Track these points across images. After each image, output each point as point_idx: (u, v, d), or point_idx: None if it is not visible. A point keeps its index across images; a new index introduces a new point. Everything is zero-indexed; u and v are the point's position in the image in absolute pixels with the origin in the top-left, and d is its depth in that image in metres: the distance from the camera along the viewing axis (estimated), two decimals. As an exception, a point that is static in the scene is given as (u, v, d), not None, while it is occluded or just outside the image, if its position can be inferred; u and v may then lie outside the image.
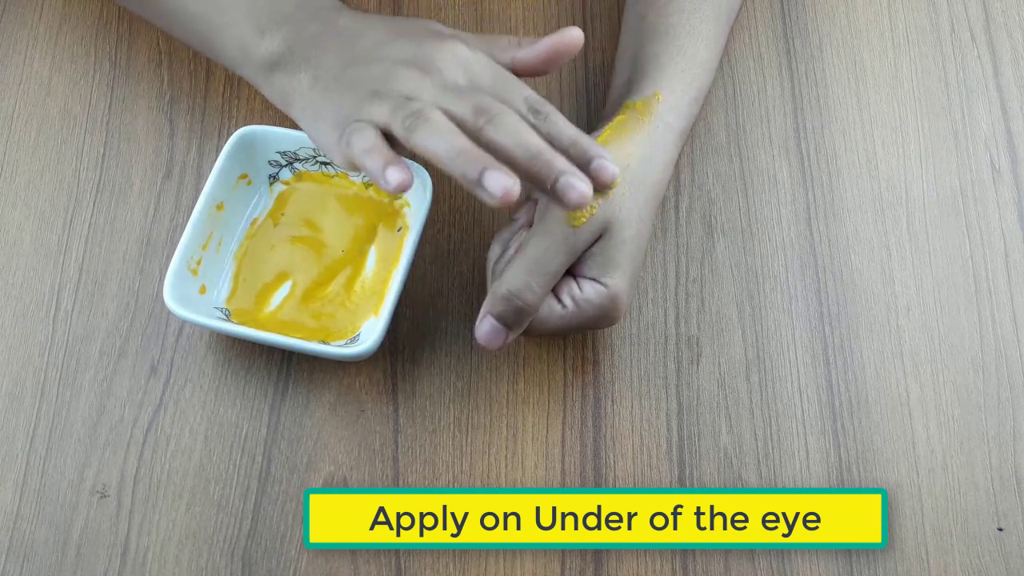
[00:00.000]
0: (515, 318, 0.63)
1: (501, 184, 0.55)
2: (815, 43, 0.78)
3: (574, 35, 0.62)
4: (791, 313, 0.70)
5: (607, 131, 0.66)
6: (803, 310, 0.70)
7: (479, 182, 0.56)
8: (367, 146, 0.59)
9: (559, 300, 0.64)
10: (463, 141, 0.57)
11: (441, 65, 0.60)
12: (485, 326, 0.63)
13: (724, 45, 0.73)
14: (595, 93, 0.75)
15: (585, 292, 0.63)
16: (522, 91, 0.60)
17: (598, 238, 0.63)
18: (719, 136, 0.75)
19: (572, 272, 0.64)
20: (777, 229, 0.72)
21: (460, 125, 0.58)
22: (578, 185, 0.57)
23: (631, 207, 0.64)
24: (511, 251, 0.65)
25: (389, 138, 0.59)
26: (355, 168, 0.61)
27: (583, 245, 0.63)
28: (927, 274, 0.71)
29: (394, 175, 0.57)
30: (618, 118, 0.67)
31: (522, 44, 0.63)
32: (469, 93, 0.59)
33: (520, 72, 0.63)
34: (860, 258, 0.71)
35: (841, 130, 0.75)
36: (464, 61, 0.61)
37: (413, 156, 0.62)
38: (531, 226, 0.64)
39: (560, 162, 0.58)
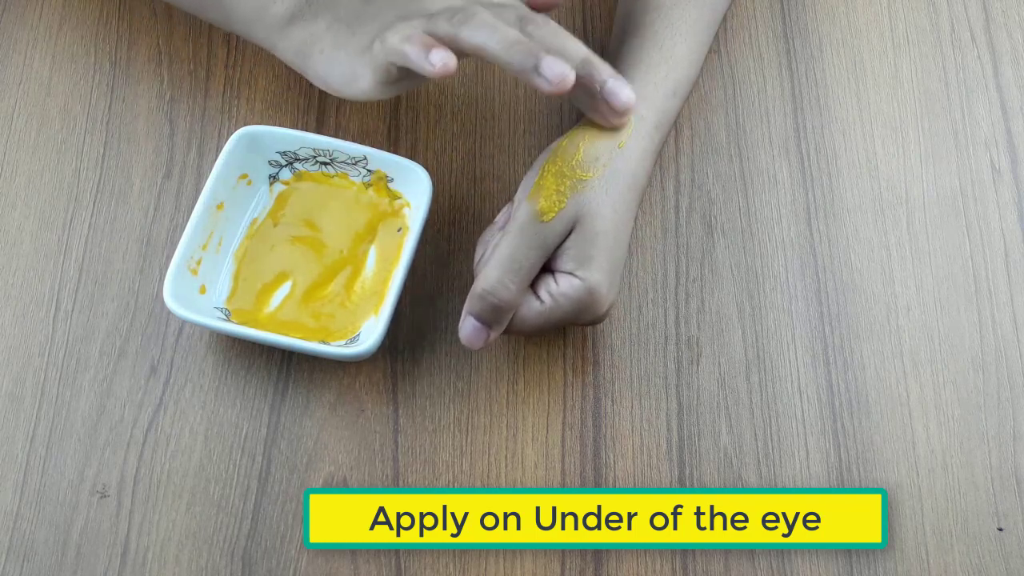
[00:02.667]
0: (493, 316, 0.63)
1: (558, 70, 0.58)
2: (815, 43, 0.78)
3: None
4: (791, 313, 0.70)
5: (581, 124, 0.67)
6: (803, 310, 0.70)
7: (536, 68, 0.58)
8: (406, 35, 0.59)
9: (537, 296, 0.64)
10: (515, 33, 0.59)
11: None
12: (466, 326, 0.64)
13: (711, 39, 0.74)
14: (595, 93, 0.76)
15: (561, 286, 0.63)
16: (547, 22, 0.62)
17: (571, 232, 0.64)
18: (719, 136, 0.75)
19: (549, 267, 0.64)
20: (777, 229, 0.72)
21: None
22: (623, 90, 0.61)
23: (603, 199, 0.64)
24: (490, 251, 0.65)
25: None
26: (382, 86, 0.61)
27: (555, 239, 0.63)
28: (927, 274, 0.71)
29: (438, 56, 0.58)
30: None
31: None
32: (507, 7, 0.61)
33: (536, 4, 0.65)
34: (860, 258, 0.71)
35: (841, 130, 0.75)
36: None
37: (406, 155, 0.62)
38: None
39: (607, 68, 0.61)
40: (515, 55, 0.58)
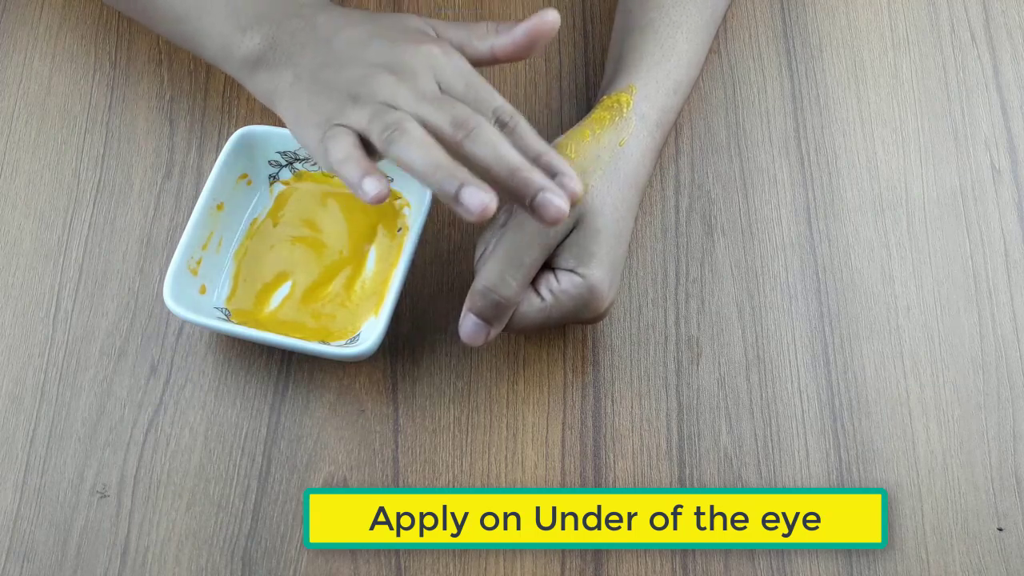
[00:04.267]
0: (494, 313, 0.63)
1: (478, 200, 0.56)
2: (815, 43, 0.78)
3: (550, 18, 0.62)
4: (791, 313, 0.70)
5: (582, 123, 0.67)
6: (803, 310, 0.70)
7: (456, 198, 0.56)
8: (343, 155, 0.59)
9: (538, 293, 0.64)
10: (441, 155, 0.58)
11: (415, 70, 0.61)
12: (467, 323, 0.64)
13: (711, 37, 0.74)
14: (595, 92, 0.75)
15: (562, 284, 0.63)
16: (493, 101, 0.61)
17: (572, 229, 0.63)
18: (719, 136, 0.75)
19: (550, 264, 0.64)
20: (777, 229, 0.72)
21: (438, 136, 0.59)
22: (555, 201, 0.58)
23: (604, 197, 0.64)
24: (490, 248, 0.65)
25: (367, 143, 0.59)
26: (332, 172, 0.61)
27: (556, 237, 0.63)
28: (927, 274, 0.71)
29: (371, 186, 0.58)
30: (594, 113, 0.68)
31: (499, 30, 0.63)
32: (445, 103, 0.60)
33: (500, 58, 0.64)
34: (860, 258, 0.71)
35: (841, 130, 0.75)
36: (437, 67, 0.61)
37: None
38: None
39: (538, 177, 0.58)
40: (437, 179, 0.57)
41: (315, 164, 0.71)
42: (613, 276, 0.64)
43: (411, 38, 0.63)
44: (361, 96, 0.60)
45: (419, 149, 0.58)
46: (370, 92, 0.60)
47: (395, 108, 0.59)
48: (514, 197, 0.58)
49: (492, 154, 0.58)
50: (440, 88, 0.61)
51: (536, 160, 0.59)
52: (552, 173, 0.59)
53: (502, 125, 0.60)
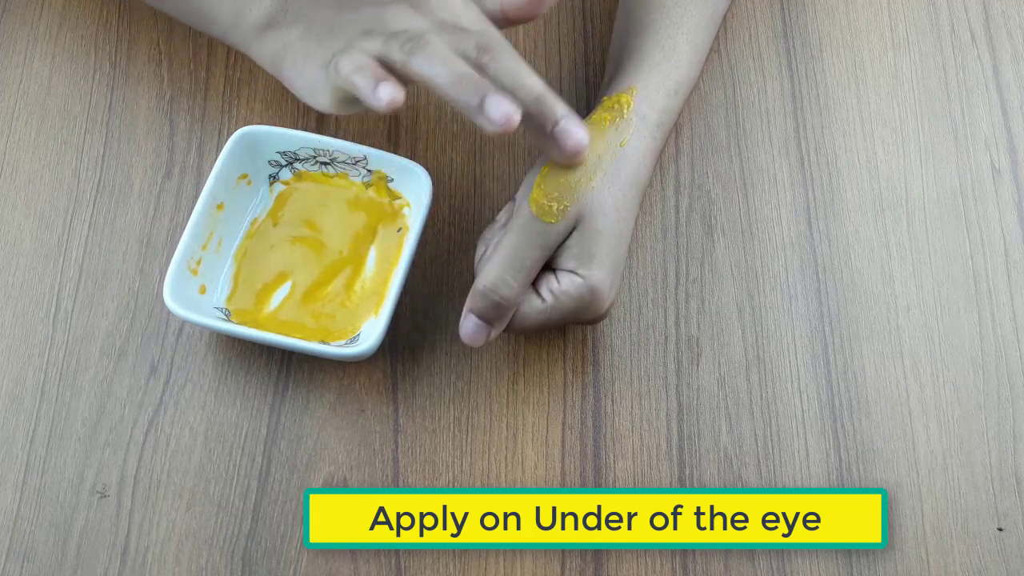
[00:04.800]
0: (495, 313, 0.63)
1: (502, 109, 0.55)
2: (815, 43, 0.78)
3: None
4: (791, 313, 0.70)
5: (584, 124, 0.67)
6: (803, 310, 0.70)
7: (480, 107, 0.55)
8: (357, 64, 0.58)
9: (538, 294, 0.64)
10: (464, 67, 0.57)
11: (433, 6, 0.60)
12: (467, 324, 0.64)
13: (711, 39, 0.74)
14: (595, 92, 0.75)
15: (563, 285, 0.63)
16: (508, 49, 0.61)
17: (573, 230, 0.64)
18: (719, 136, 0.75)
19: (551, 265, 0.64)
20: (777, 229, 0.72)
21: (461, 57, 0.58)
22: (577, 131, 0.58)
23: (605, 197, 0.64)
24: (491, 249, 0.65)
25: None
26: (340, 104, 0.60)
27: (557, 238, 0.63)
28: (927, 274, 0.71)
29: (386, 90, 0.57)
30: (594, 114, 0.68)
31: None
32: (466, 32, 0.60)
33: (510, 16, 0.63)
34: (860, 258, 0.71)
35: (841, 130, 0.75)
36: (455, 8, 0.61)
37: (406, 153, 0.62)
38: None
39: (561, 107, 0.58)
40: (461, 91, 0.56)
41: (316, 165, 0.71)
42: (614, 277, 0.64)
43: None
44: (375, 30, 0.60)
45: (442, 60, 0.57)
46: (385, 24, 0.60)
47: (413, 31, 0.59)
48: (536, 124, 0.58)
49: (516, 79, 0.58)
50: (456, 26, 0.60)
51: (538, 100, 0.60)
52: (554, 119, 0.60)
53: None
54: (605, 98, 0.69)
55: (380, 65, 0.58)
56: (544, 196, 0.63)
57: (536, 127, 0.58)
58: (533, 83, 0.59)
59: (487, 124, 0.55)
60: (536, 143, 0.63)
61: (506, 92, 0.57)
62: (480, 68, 0.58)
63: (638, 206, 0.67)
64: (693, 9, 0.71)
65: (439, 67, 0.57)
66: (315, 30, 0.62)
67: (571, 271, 0.63)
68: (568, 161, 0.63)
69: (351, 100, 0.62)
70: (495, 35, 0.61)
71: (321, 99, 0.61)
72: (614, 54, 0.73)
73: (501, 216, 0.66)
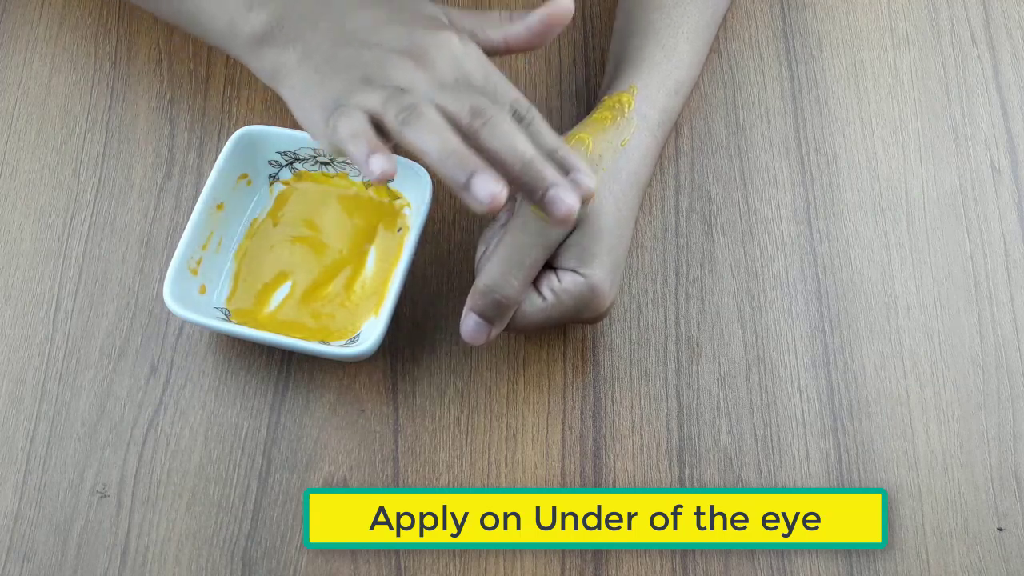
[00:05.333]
0: (495, 312, 0.63)
1: (489, 190, 0.55)
2: (815, 43, 0.78)
3: (564, 6, 0.61)
4: (791, 313, 0.70)
5: (584, 124, 0.67)
6: (803, 310, 0.70)
7: (467, 186, 0.56)
8: (354, 131, 0.58)
9: (539, 293, 0.64)
10: (456, 141, 0.57)
11: (433, 57, 0.60)
12: (468, 322, 0.64)
13: (711, 38, 0.74)
14: (595, 92, 0.75)
15: (564, 283, 0.63)
16: (510, 93, 0.60)
17: (574, 229, 0.63)
18: (719, 136, 0.75)
19: (551, 264, 0.64)
20: (777, 229, 0.72)
21: (454, 124, 0.58)
22: (566, 198, 0.57)
23: (606, 197, 0.64)
24: (492, 247, 0.65)
25: (378, 129, 0.59)
26: (340, 153, 0.60)
27: (558, 237, 0.63)
28: (927, 274, 0.71)
29: (378, 163, 0.57)
30: (595, 113, 0.68)
31: (513, 19, 0.63)
32: (463, 91, 0.59)
33: (513, 48, 0.63)
34: (860, 258, 0.71)
35: (841, 130, 0.75)
36: (457, 56, 0.61)
37: (406, 153, 0.62)
38: None
39: (551, 173, 0.58)
40: (449, 167, 0.56)
41: (316, 165, 0.71)
42: (614, 276, 0.64)
43: (428, 24, 0.62)
44: (375, 79, 0.60)
45: (434, 134, 0.57)
46: (385, 76, 0.60)
47: (412, 92, 0.59)
48: (525, 191, 0.58)
49: (507, 146, 0.57)
50: (458, 78, 0.60)
51: (551, 155, 0.59)
52: (566, 169, 0.59)
53: (519, 119, 0.59)
54: (606, 97, 0.69)
55: (374, 130, 0.58)
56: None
57: (527, 193, 0.58)
58: (524, 149, 0.58)
59: (473, 202, 0.56)
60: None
61: (496, 163, 0.57)
62: (473, 133, 0.58)
63: (639, 205, 0.67)
64: (693, 9, 0.71)
65: (430, 141, 0.57)
66: (314, 60, 0.62)
67: (572, 270, 0.63)
68: (559, 226, 0.62)
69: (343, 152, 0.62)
70: (495, 83, 0.61)
71: (319, 141, 0.61)
72: (614, 54, 0.73)
73: (502, 215, 0.66)
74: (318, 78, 0.61)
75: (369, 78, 0.60)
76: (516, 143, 0.58)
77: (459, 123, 0.58)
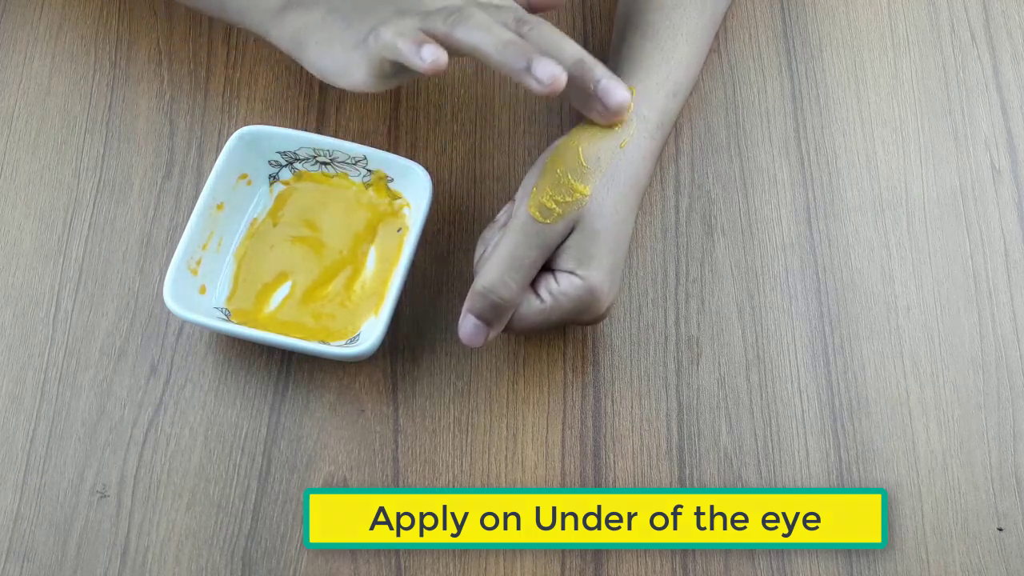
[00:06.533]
0: (493, 314, 0.63)
1: (550, 71, 0.57)
2: (815, 43, 0.78)
3: None
4: (791, 313, 0.70)
5: (583, 124, 0.67)
6: (803, 310, 0.70)
7: (528, 69, 0.58)
8: (401, 30, 0.60)
9: (537, 295, 0.64)
10: (509, 34, 0.59)
11: None
12: (466, 324, 0.64)
13: (711, 40, 0.74)
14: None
15: (562, 285, 0.63)
16: (546, 24, 0.62)
17: (572, 231, 0.64)
18: (719, 136, 0.75)
19: (550, 266, 0.64)
20: (777, 229, 0.72)
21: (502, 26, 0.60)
22: (619, 89, 0.61)
23: (603, 198, 0.64)
24: (490, 249, 0.65)
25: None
26: (376, 79, 0.61)
27: (556, 238, 0.63)
28: (927, 274, 0.71)
29: (429, 51, 0.59)
30: None
31: None
32: (503, 7, 0.61)
33: (535, 4, 0.65)
34: (860, 258, 0.71)
35: (841, 130, 0.75)
36: None
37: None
38: None
39: (601, 68, 0.61)
40: (508, 55, 0.58)
41: (316, 165, 0.71)
42: (613, 278, 0.64)
43: None
44: (410, 10, 0.61)
45: (486, 29, 0.59)
46: (419, 3, 0.61)
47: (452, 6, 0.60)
48: (577, 85, 0.60)
49: (556, 45, 0.60)
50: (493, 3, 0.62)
51: (579, 63, 0.61)
52: (595, 79, 0.62)
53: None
54: None
55: (424, 33, 0.60)
56: (544, 197, 0.63)
57: (578, 89, 0.60)
58: (572, 48, 0.61)
59: (535, 85, 0.58)
60: (579, 107, 0.64)
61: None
62: (521, 36, 0.59)
63: (637, 207, 0.67)
64: (692, 11, 0.71)
65: (484, 36, 0.59)
66: (340, 10, 0.63)
67: (570, 272, 0.63)
68: (611, 119, 0.64)
69: (388, 73, 0.63)
70: (528, 13, 0.63)
71: (356, 75, 0.62)
72: (613, 55, 0.73)
73: (501, 216, 0.66)
74: (346, 23, 0.63)
75: (402, 10, 0.61)
76: (564, 43, 0.61)
77: (506, 28, 0.60)
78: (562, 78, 0.57)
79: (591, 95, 0.61)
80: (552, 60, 0.58)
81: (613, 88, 0.61)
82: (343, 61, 0.62)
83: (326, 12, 0.63)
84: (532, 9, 0.65)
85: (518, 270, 0.63)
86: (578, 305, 0.64)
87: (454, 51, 0.60)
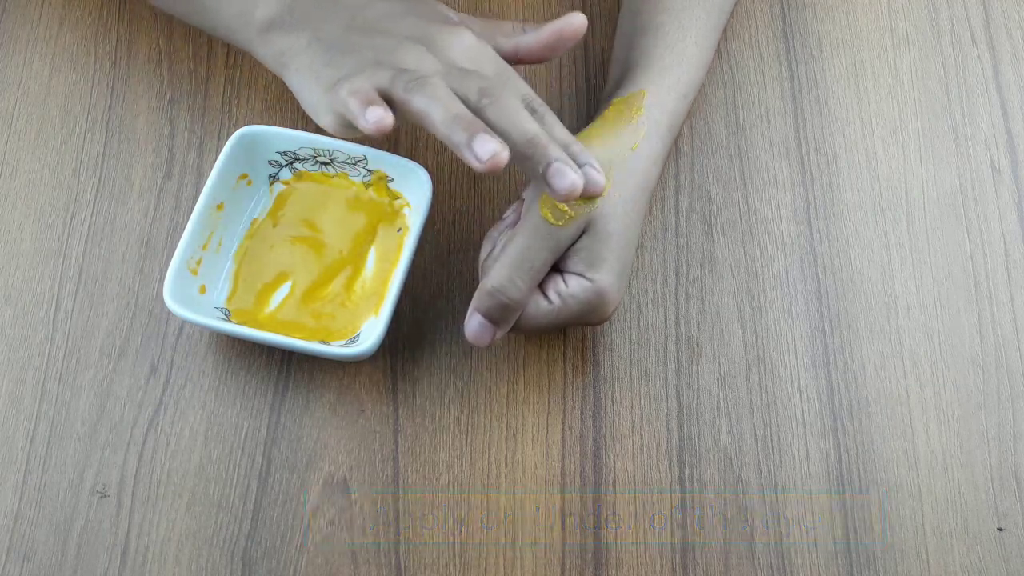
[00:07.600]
0: (501, 314, 0.63)
1: (489, 148, 0.56)
2: (815, 43, 0.78)
3: (577, 20, 0.63)
4: (791, 313, 0.70)
5: (593, 126, 0.67)
6: (803, 310, 0.70)
7: (468, 144, 0.56)
8: (355, 89, 0.59)
9: (545, 296, 0.64)
10: (460, 108, 0.58)
11: (447, 48, 0.61)
12: (473, 323, 0.64)
13: (717, 41, 0.74)
14: (595, 93, 0.75)
15: (571, 287, 0.63)
16: (522, 88, 0.61)
17: (582, 233, 0.63)
18: (719, 136, 0.75)
19: (558, 267, 0.64)
20: (777, 229, 0.72)
21: (461, 100, 0.59)
22: (569, 173, 0.58)
23: (615, 201, 0.64)
24: (499, 248, 0.65)
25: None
26: (340, 127, 0.60)
27: (567, 240, 0.63)
28: (927, 274, 0.71)
29: (373, 114, 0.57)
30: (604, 114, 0.68)
31: (526, 30, 0.64)
32: (473, 76, 0.60)
33: (523, 58, 0.64)
34: (860, 258, 0.71)
35: (841, 130, 0.75)
36: (470, 49, 0.61)
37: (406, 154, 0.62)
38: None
39: (554, 149, 0.58)
40: (452, 129, 0.57)
41: (316, 165, 0.71)
42: (621, 281, 0.64)
43: (444, 20, 0.63)
44: (386, 63, 0.60)
45: (439, 101, 0.57)
46: (396, 59, 0.60)
47: (420, 71, 0.59)
48: (529, 166, 0.58)
49: (512, 121, 0.58)
50: (469, 67, 0.61)
51: (564, 149, 0.60)
52: (578, 164, 0.59)
53: (531, 111, 0.60)
54: (615, 100, 0.68)
55: (378, 95, 0.59)
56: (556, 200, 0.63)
57: (529, 168, 0.58)
58: (529, 126, 0.58)
59: (474, 161, 0.56)
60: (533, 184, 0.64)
61: (500, 136, 0.57)
62: (479, 110, 0.58)
63: (646, 209, 0.67)
64: (701, 12, 0.71)
65: (435, 106, 0.57)
66: (324, 43, 0.62)
67: (579, 274, 0.63)
68: (563, 200, 0.61)
69: (349, 124, 0.62)
70: (506, 77, 0.61)
71: (324, 119, 0.62)
72: (619, 56, 0.72)
73: (508, 214, 0.66)
74: (327, 59, 0.62)
75: (380, 61, 0.60)
76: (520, 119, 0.58)
77: (467, 100, 0.58)
78: (502, 156, 0.56)
79: (539, 176, 0.58)
80: (494, 138, 0.56)
81: (563, 172, 0.58)
82: (315, 100, 0.62)
83: (311, 40, 0.63)
84: (519, 60, 0.64)
85: (528, 272, 0.63)
86: (586, 307, 0.64)
87: (405, 115, 0.59)
